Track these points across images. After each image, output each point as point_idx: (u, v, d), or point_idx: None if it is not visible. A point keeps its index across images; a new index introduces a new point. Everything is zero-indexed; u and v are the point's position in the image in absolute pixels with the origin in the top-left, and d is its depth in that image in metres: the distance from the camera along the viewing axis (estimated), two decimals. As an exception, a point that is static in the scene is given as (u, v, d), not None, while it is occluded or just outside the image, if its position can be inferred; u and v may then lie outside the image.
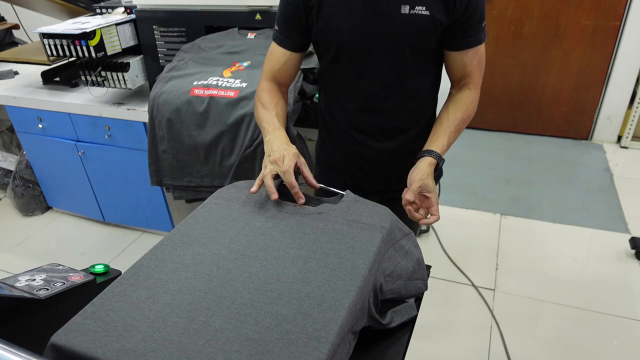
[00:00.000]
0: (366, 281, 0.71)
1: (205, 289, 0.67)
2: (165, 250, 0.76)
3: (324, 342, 0.59)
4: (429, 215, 0.95)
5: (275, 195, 0.89)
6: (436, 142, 1.01)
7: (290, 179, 0.90)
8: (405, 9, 0.95)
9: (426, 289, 0.85)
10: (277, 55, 1.10)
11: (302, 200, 0.91)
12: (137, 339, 0.59)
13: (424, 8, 0.95)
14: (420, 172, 0.96)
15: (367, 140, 1.16)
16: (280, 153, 0.94)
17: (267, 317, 0.63)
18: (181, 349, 0.58)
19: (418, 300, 0.85)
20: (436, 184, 0.98)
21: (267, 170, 0.93)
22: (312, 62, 1.50)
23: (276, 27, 1.09)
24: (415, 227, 1.35)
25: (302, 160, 0.96)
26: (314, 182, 0.97)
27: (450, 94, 1.10)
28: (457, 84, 1.09)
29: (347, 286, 0.68)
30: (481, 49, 1.04)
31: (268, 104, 1.08)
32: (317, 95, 1.46)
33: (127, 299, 0.66)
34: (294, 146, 0.98)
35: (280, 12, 1.07)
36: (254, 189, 0.92)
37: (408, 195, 0.94)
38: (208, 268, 0.72)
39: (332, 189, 0.96)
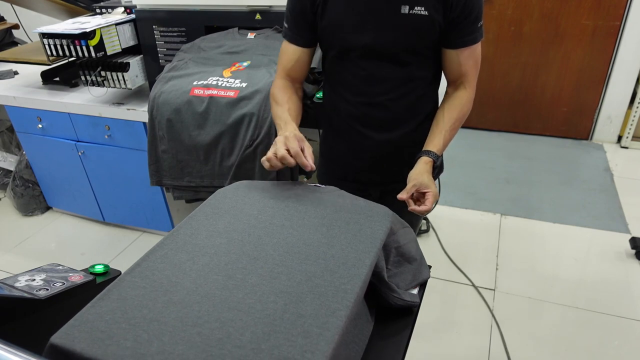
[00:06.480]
0: (383, 245, 0.78)
1: (240, 252, 0.75)
2: (199, 220, 0.83)
3: (351, 293, 0.66)
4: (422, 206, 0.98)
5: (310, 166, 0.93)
6: (432, 142, 1.08)
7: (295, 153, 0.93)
8: (405, 9, 1.00)
9: (428, 274, 0.91)
10: (289, 52, 1.15)
11: (308, 168, 0.94)
12: (183, 294, 0.66)
13: (423, 8, 0.99)
14: (416, 171, 1.03)
15: (368, 132, 1.19)
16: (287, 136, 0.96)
17: (297, 274, 0.70)
18: (223, 300, 0.65)
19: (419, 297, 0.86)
20: (435, 180, 1.04)
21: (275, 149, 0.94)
22: (313, 62, 1.49)
23: (286, 25, 1.13)
24: (415, 226, 1.36)
25: (306, 143, 0.97)
26: (306, 162, 0.95)
27: (446, 93, 1.15)
28: (453, 84, 1.13)
29: (368, 248, 0.76)
30: (477, 48, 1.08)
31: (281, 101, 1.13)
32: (318, 95, 1.46)
33: (169, 261, 0.73)
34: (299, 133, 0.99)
35: (288, 9, 1.11)
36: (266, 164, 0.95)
37: (401, 194, 0.99)
38: (240, 235, 0.79)
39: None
